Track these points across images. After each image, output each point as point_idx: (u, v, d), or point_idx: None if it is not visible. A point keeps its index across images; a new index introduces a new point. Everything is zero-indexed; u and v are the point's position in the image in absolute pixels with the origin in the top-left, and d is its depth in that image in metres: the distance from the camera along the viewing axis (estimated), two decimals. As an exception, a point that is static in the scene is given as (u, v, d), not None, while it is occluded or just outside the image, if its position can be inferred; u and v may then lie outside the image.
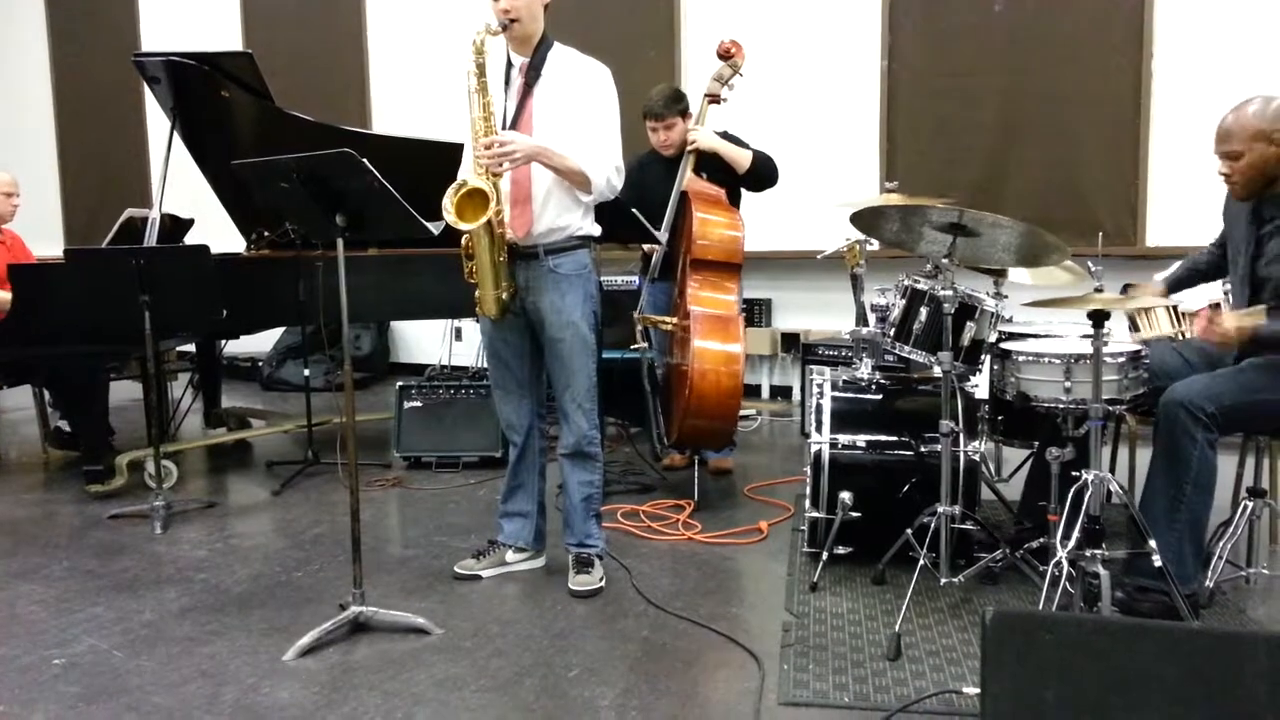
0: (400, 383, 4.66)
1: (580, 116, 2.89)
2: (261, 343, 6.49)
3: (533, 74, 2.91)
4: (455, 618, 2.86)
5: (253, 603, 3.02)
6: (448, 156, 3.21)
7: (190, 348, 5.39)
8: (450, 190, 2.75)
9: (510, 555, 3.23)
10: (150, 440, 4.03)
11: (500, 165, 2.77)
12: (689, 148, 4.03)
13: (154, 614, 2.95)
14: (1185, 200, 4.73)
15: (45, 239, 6.75)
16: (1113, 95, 4.99)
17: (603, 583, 3.07)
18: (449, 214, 2.73)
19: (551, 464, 3.24)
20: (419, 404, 4.58)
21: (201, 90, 4.36)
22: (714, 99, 4.11)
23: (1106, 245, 3.12)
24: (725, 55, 4.10)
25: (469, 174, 2.83)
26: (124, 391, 5.14)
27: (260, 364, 6.94)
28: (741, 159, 4.03)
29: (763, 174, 4.07)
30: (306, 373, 4.83)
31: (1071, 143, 5.08)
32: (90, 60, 8.04)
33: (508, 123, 2.91)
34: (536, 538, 3.25)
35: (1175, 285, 3.19)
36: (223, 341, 5.36)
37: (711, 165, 4.07)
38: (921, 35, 5.37)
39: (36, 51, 8.30)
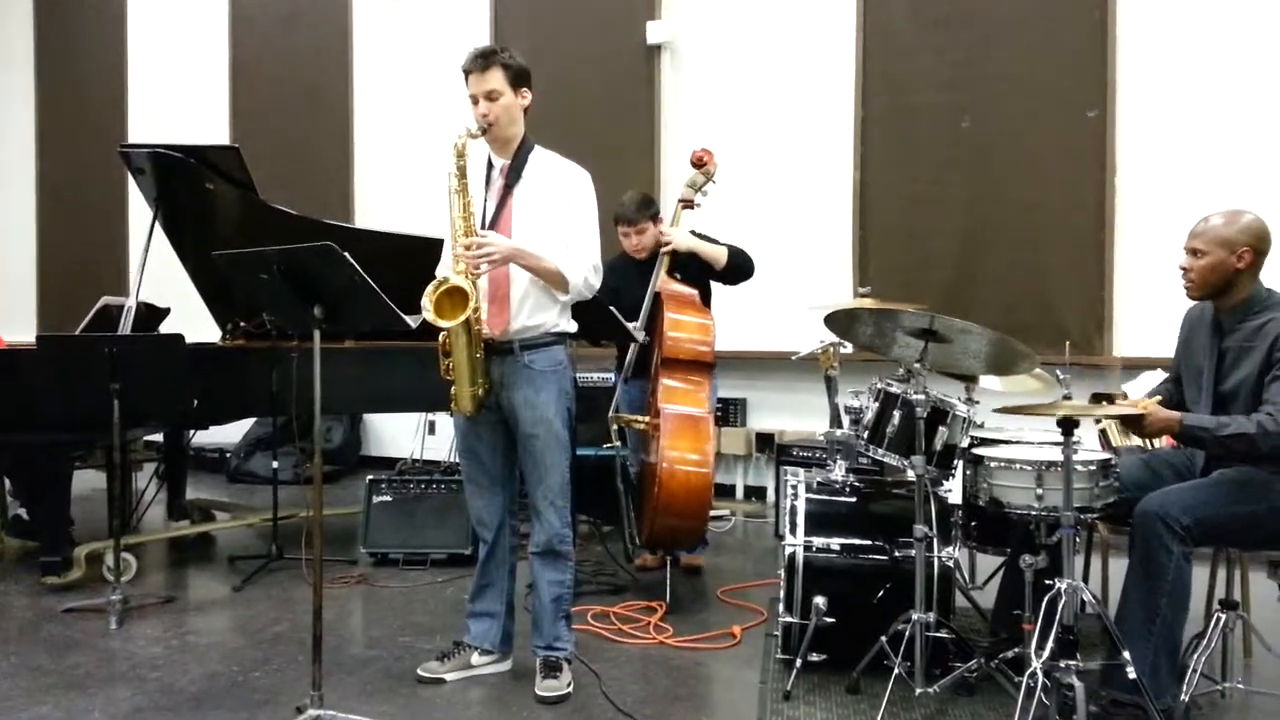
0: (370, 476, 4.60)
1: (559, 217, 2.94)
2: (230, 434, 6.41)
3: (513, 175, 2.98)
4: (417, 723, 2.77)
5: (207, 703, 2.91)
6: (428, 251, 3.24)
7: (158, 437, 5.32)
8: (430, 288, 2.77)
9: (476, 658, 3.15)
10: (111, 531, 3.94)
11: (480, 265, 2.80)
12: (664, 249, 4.11)
13: (103, 714, 2.83)
14: (1152, 312, 4.83)
15: (19, 324, 6.71)
16: (1078, 208, 5.14)
17: (570, 688, 2.99)
18: (428, 312, 2.74)
19: (522, 563, 3.18)
20: (389, 498, 4.52)
21: (186, 182, 4.40)
22: (688, 204, 4.25)
23: (1074, 354, 3.17)
24: (698, 164, 4.25)
25: (448, 271, 2.86)
26: (87, 481, 5.03)
27: (228, 455, 6.84)
28: (718, 256, 4.11)
29: (739, 266, 4.16)
30: (275, 465, 4.77)
31: (1039, 253, 5.21)
32: (76, 148, 8.13)
33: (488, 222, 2.96)
34: (504, 639, 3.17)
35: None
36: (191, 432, 5.29)
37: (685, 266, 4.15)
38: (891, 147, 5.54)
39: (22, 137, 8.39)
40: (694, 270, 4.15)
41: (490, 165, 3.02)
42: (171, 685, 3.06)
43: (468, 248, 2.79)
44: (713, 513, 4.40)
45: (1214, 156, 4.86)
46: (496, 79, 2.89)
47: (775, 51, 5.82)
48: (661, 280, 4.07)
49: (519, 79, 2.94)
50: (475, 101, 2.91)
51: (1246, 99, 4.81)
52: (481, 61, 2.89)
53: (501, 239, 2.86)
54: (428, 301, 2.75)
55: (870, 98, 5.58)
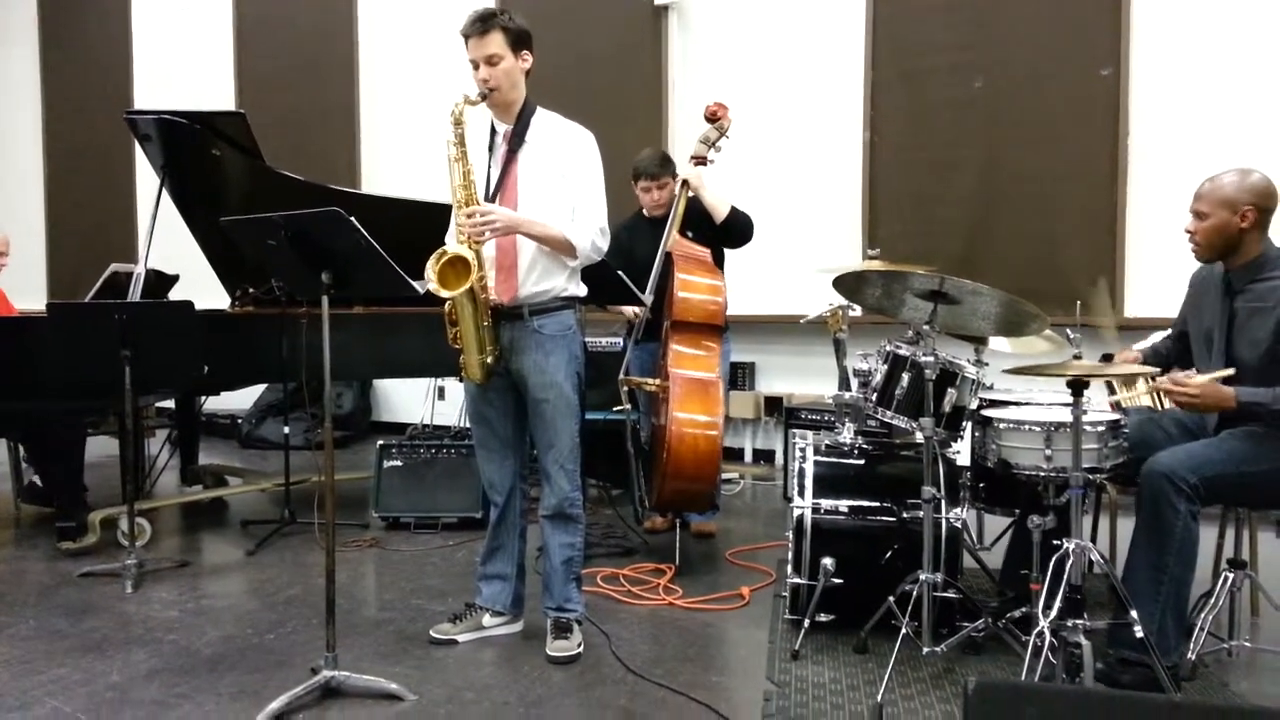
0: (381, 441, 4.63)
1: (564, 180, 2.93)
2: (241, 400, 6.45)
3: (516, 140, 2.95)
4: (429, 684, 2.81)
5: (222, 665, 2.96)
6: (436, 217, 3.24)
7: (170, 404, 5.35)
8: (432, 258, 2.76)
9: (487, 619, 3.18)
10: (125, 497, 3.97)
11: (482, 234, 2.79)
12: (679, 178, 4.11)
13: (121, 676, 2.88)
14: (1162, 273, 4.79)
15: (29, 293, 6.73)
16: (1090, 170, 5.08)
17: (581, 648, 3.02)
18: (431, 282, 2.74)
19: (532, 526, 3.21)
20: (399, 463, 4.55)
21: (193, 149, 4.38)
22: (700, 161, 4.19)
23: (1085, 316, 3.15)
24: (712, 118, 4.20)
25: (451, 241, 2.86)
26: (100, 447, 5.08)
27: (239, 421, 6.89)
28: (720, 207, 4.09)
29: (738, 228, 4.14)
30: (286, 430, 4.79)
31: (1050, 215, 5.16)
32: (82, 116, 8.11)
33: (492, 188, 2.94)
34: (515, 601, 3.21)
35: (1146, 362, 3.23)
36: (202, 398, 5.32)
37: (696, 225, 4.13)
38: (902, 109, 5.48)
39: (29, 106, 8.38)
40: (704, 231, 4.14)
41: (493, 131, 3.00)
42: (188, 648, 3.10)
43: (469, 217, 2.78)
44: (723, 476, 4.42)
45: (1229, 116, 4.79)
46: (496, 43, 2.85)
47: (784, 12, 5.75)
48: (673, 240, 4.05)
49: (519, 42, 2.90)
50: (476, 66, 2.88)
51: (1263, 58, 4.73)
52: (480, 25, 2.85)
53: (502, 210, 2.85)
54: (430, 272, 2.75)
55: (880, 58, 5.50)
